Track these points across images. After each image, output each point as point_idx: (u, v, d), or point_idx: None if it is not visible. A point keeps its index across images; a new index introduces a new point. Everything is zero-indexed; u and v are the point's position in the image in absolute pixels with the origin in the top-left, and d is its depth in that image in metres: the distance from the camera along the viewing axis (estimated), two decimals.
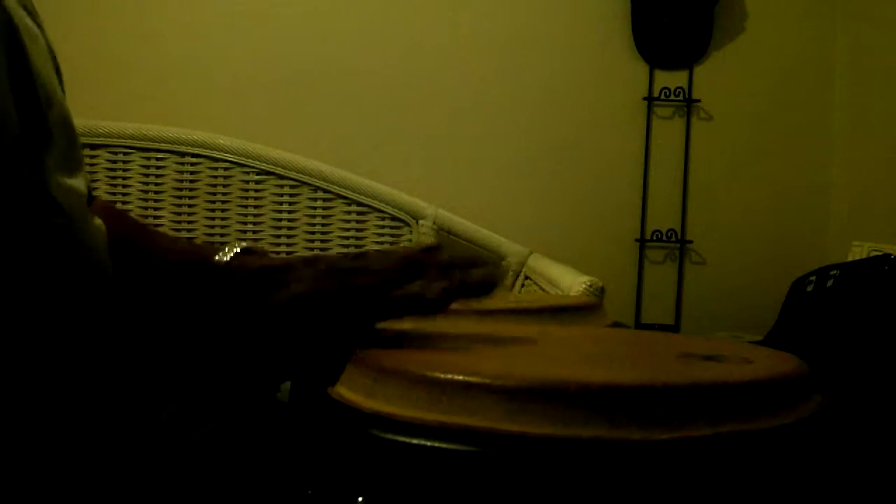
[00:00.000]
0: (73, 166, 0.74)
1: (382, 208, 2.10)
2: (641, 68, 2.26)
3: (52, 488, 0.67)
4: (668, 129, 2.28)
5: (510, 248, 2.08)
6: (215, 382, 0.80)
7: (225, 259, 0.80)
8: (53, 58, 0.81)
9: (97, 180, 2.07)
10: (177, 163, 2.10)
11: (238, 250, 0.81)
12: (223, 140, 2.11)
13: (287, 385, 0.81)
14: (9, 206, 0.65)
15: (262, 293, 0.76)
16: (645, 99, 2.26)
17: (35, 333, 0.65)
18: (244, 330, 0.74)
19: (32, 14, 0.77)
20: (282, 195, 2.12)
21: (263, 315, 0.74)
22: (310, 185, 2.11)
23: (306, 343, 0.74)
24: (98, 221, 0.76)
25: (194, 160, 2.11)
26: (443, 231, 2.09)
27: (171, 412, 0.81)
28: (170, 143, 2.10)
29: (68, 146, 0.75)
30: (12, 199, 0.66)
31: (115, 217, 0.99)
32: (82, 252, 0.71)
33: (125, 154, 2.10)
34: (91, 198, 0.96)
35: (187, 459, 0.78)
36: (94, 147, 2.07)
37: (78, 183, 0.74)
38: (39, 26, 0.79)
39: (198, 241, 1.12)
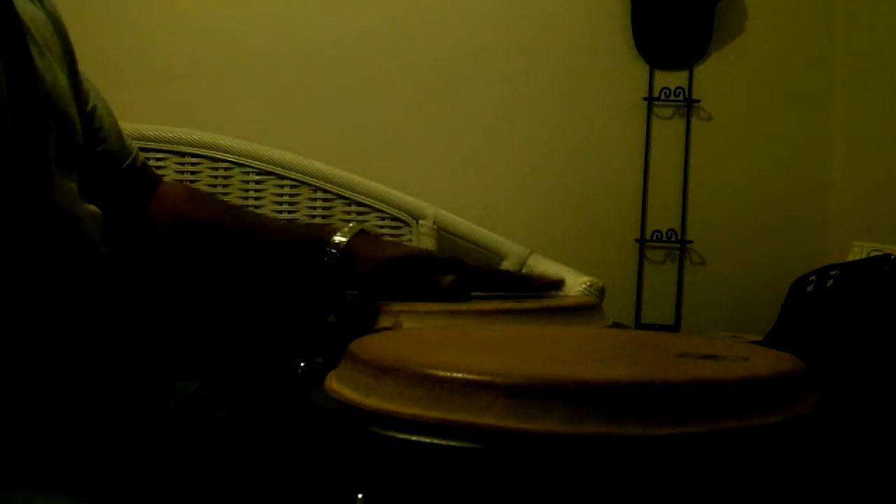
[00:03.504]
0: (70, 163, 0.75)
1: (382, 208, 2.10)
2: (641, 68, 2.26)
3: (56, 476, 0.67)
4: (668, 129, 2.28)
5: (510, 248, 2.08)
6: (222, 375, 0.80)
7: (343, 240, 0.87)
8: (63, 41, 0.81)
9: None
10: (177, 163, 2.10)
11: (351, 234, 0.89)
12: (223, 140, 2.11)
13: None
14: (8, 196, 0.66)
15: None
16: (645, 99, 2.26)
17: (33, 317, 0.66)
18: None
19: (55, 22, 0.78)
20: (282, 195, 2.12)
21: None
22: (310, 185, 2.12)
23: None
24: (93, 208, 0.76)
25: (194, 160, 2.11)
26: (443, 231, 2.09)
27: (175, 406, 0.81)
28: (170, 143, 2.10)
29: (65, 136, 0.75)
30: (11, 190, 0.66)
31: (201, 200, 1.01)
32: (77, 242, 0.72)
33: None
34: (155, 178, 0.97)
35: (187, 453, 0.78)
36: None
37: (72, 173, 0.74)
38: (64, 38, 0.79)
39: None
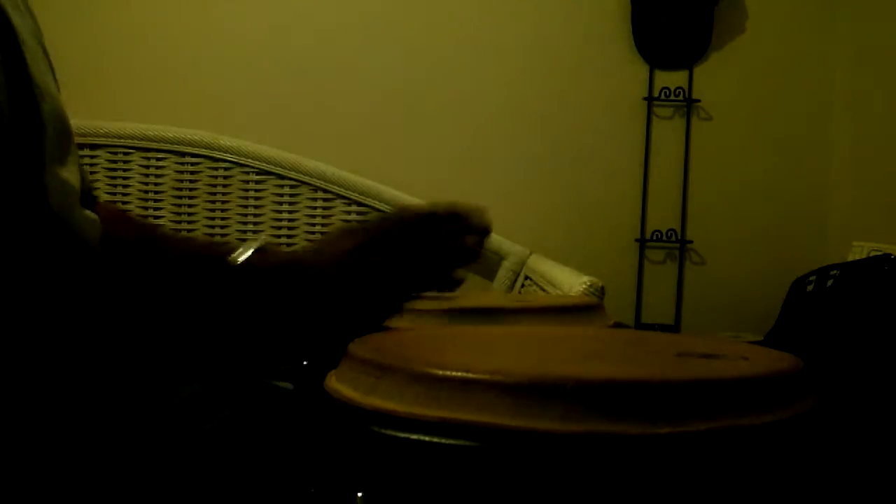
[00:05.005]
0: (66, 159, 0.74)
1: (382, 208, 2.10)
2: (641, 68, 2.27)
3: (52, 481, 0.67)
4: (668, 129, 2.28)
5: (510, 248, 2.08)
6: (220, 376, 0.80)
7: (241, 259, 0.79)
8: (45, 54, 0.81)
9: (97, 180, 2.08)
10: (177, 163, 2.11)
11: (252, 250, 0.81)
12: (223, 140, 2.11)
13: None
14: (3, 196, 0.66)
15: (286, 287, 0.77)
16: (645, 99, 2.26)
17: (27, 320, 0.66)
18: (261, 323, 0.74)
19: (26, 11, 0.78)
20: (282, 195, 2.12)
21: (291, 306, 0.75)
22: (310, 185, 2.12)
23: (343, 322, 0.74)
24: (91, 214, 0.76)
25: (194, 160, 2.11)
26: None
27: (170, 406, 0.81)
28: (170, 143, 2.10)
29: (61, 139, 0.75)
30: (6, 189, 0.66)
31: (123, 220, 0.99)
32: (72, 242, 0.72)
33: (125, 154, 2.10)
34: (93, 198, 0.96)
35: (187, 454, 0.78)
36: (94, 147, 2.08)
37: (70, 175, 0.74)
38: (34, 22, 0.79)
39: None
